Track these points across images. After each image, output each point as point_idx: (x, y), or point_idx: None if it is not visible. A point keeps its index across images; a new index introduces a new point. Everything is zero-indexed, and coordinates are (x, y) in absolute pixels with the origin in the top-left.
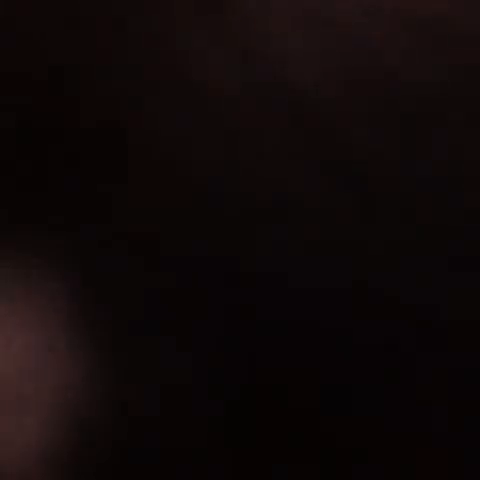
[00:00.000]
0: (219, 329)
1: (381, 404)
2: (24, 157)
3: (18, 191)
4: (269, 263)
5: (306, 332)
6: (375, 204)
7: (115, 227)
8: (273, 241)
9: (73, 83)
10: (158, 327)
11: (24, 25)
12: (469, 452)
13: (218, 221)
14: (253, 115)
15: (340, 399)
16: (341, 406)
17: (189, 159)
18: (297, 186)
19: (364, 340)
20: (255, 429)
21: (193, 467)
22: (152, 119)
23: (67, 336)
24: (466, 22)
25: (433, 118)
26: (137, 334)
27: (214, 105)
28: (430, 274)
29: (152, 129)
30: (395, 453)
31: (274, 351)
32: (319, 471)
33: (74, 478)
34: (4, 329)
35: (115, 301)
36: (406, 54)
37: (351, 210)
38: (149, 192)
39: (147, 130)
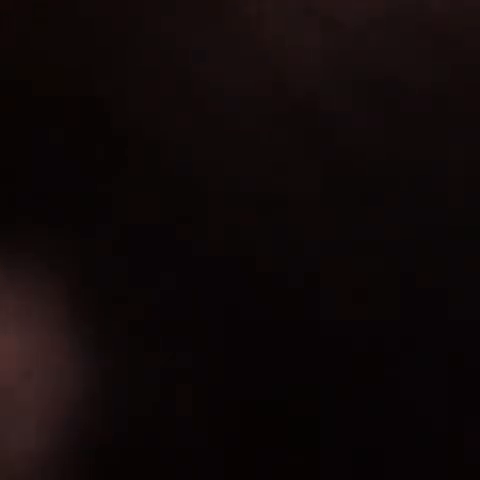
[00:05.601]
0: (219, 329)
1: (381, 404)
2: (24, 157)
3: (18, 191)
4: (269, 263)
5: (306, 332)
6: (375, 204)
7: (115, 227)
8: (273, 241)
9: (73, 83)
10: (158, 327)
11: (24, 25)
12: (469, 452)
13: (218, 221)
14: (253, 115)
15: (340, 399)
16: (341, 406)
17: (189, 159)
18: (297, 186)
19: (364, 341)
20: (255, 429)
21: (193, 467)
22: (152, 119)
23: (67, 336)
24: (466, 22)
25: (433, 118)
26: (137, 334)
27: (214, 105)
28: (430, 274)
29: (152, 129)
30: (395, 453)
31: (274, 351)
32: (319, 471)
33: (73, 478)
34: (4, 329)
35: (115, 301)
36: (406, 54)
37: (351, 210)
38: (149, 192)
39: (147, 130)
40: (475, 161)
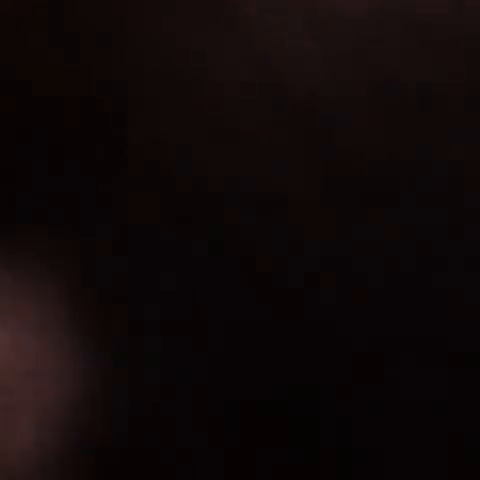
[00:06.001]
0: (219, 329)
1: (381, 404)
2: (24, 157)
3: (18, 191)
4: (269, 263)
5: (306, 332)
6: (375, 204)
7: (115, 227)
8: (273, 241)
9: (73, 84)
10: (158, 327)
11: (24, 25)
12: (469, 452)
13: (218, 221)
14: (253, 115)
15: (340, 399)
16: (341, 406)
17: (189, 159)
18: (297, 186)
19: (364, 341)
20: (255, 429)
21: (193, 467)
22: (152, 119)
23: (67, 336)
24: (466, 22)
25: (433, 118)
26: (137, 334)
27: (214, 105)
28: (430, 274)
29: (152, 129)
30: (395, 453)
31: (274, 351)
32: (319, 471)
33: (73, 478)
34: (4, 329)
35: (115, 301)
36: (406, 54)
37: (351, 210)
38: (149, 192)
39: (147, 130)
40: (475, 161)
